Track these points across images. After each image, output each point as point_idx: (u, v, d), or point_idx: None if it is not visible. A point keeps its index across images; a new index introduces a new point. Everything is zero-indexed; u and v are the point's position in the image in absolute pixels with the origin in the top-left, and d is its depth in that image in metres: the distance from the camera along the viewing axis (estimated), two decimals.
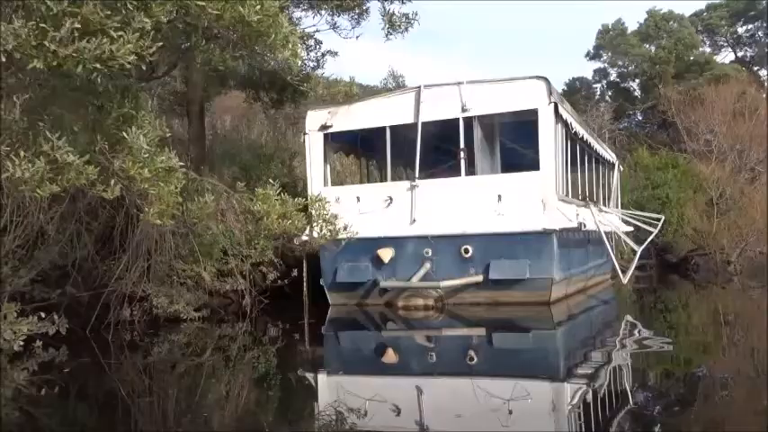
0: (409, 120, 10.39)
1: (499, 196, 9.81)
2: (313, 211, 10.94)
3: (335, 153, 12.48)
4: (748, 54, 38.24)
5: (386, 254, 10.31)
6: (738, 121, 26.36)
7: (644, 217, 15.37)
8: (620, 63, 35.35)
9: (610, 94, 36.34)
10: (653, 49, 34.46)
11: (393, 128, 10.60)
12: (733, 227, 19.86)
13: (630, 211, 16.39)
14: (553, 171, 9.62)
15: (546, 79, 9.69)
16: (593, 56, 35.88)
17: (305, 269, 11.45)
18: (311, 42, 13.51)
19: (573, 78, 36.91)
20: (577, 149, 12.11)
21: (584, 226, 9.55)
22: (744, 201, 22.04)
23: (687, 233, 22.57)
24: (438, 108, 10.25)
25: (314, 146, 11.00)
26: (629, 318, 10.20)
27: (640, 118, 36.60)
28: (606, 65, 35.89)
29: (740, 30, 37.81)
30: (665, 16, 34.55)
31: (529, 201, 9.69)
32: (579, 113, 32.14)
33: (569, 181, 10.87)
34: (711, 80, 29.81)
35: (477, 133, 10.12)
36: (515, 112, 9.92)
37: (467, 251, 9.97)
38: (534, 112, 9.75)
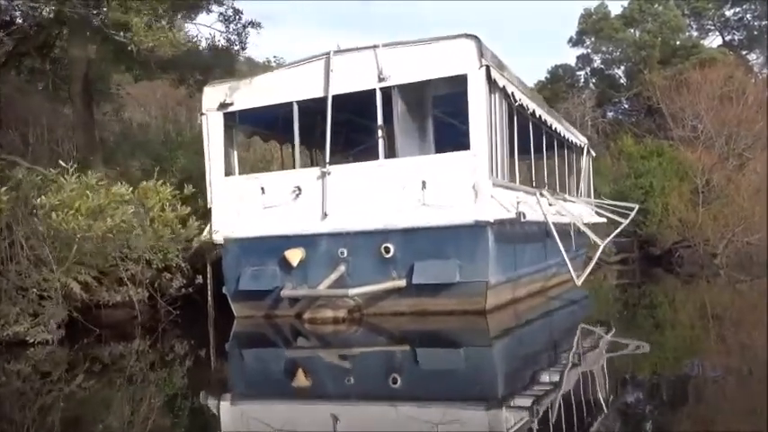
0: (318, 93, 8.43)
1: (423, 183, 7.86)
2: (213, 207, 9.14)
3: (249, 137, 10.51)
4: (736, 38, 36.18)
5: (294, 255, 8.38)
6: (726, 105, 24.36)
7: (616, 206, 13.45)
8: (603, 49, 33.30)
9: (594, 81, 34.31)
10: (637, 33, 32.42)
11: (301, 104, 8.64)
12: (719, 216, 17.95)
13: (601, 201, 14.44)
14: (486, 151, 7.66)
15: (476, 37, 7.72)
16: (575, 42, 33.80)
17: (209, 275, 9.54)
18: (229, 13, 11.64)
19: (555, 66, 34.87)
20: (529, 127, 10.15)
21: (524, 216, 7.60)
22: (731, 189, 20.09)
23: (672, 224, 20.67)
24: (351, 78, 8.28)
25: (213, 128, 9.05)
26: (598, 320, 8.42)
27: (626, 106, 34.61)
28: (589, 51, 33.84)
29: (728, 13, 35.72)
30: None
31: (458, 187, 7.74)
32: (561, 101, 30.73)
33: (514, 164, 8.85)
34: (697, 64, 27.76)
35: (398, 107, 8.16)
36: (441, 79, 7.95)
37: (387, 250, 8.03)
38: (463, 79, 7.79)
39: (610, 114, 33.62)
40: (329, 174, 8.34)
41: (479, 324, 7.81)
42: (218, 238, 8.95)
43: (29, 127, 9.54)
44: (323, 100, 8.37)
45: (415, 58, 8.03)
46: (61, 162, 8.11)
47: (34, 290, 7.96)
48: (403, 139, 8.21)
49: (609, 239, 10.06)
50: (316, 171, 8.45)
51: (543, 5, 58.41)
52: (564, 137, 12.19)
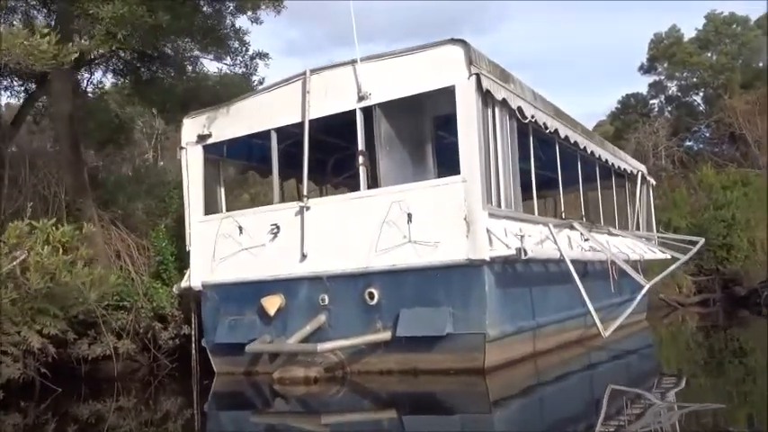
0: (296, 118, 7.31)
1: (409, 216, 6.49)
2: (191, 249, 8.14)
3: (243, 172, 9.47)
4: None
5: (271, 303, 7.18)
6: None
7: (677, 241, 11.48)
8: (678, 75, 30.82)
9: (669, 109, 31.76)
10: (714, 57, 29.83)
11: (280, 131, 7.55)
12: None
13: (663, 234, 12.43)
14: (480, 175, 6.22)
15: (464, 42, 6.38)
16: (647, 69, 31.53)
17: (194, 325, 8.48)
18: (235, 45, 10.87)
19: (627, 95, 32.64)
20: (555, 151, 8.61)
21: (525, 253, 6.04)
22: None
23: (760, 260, 18.06)
24: (329, 99, 7.12)
25: (192, 163, 8.10)
26: (659, 375, 6.80)
27: (707, 134, 31.71)
28: (663, 78, 31.42)
29: None
30: (727, 20, 29.93)
31: (447, 220, 6.33)
32: (633, 131, 28.39)
33: (518, 192, 7.23)
34: None
35: (381, 128, 6.90)
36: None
37: (372, 296, 6.68)
38: (451, 92, 6.46)
39: (689, 144, 30.88)
40: (308, 209, 7.14)
41: (478, 386, 6.25)
42: (196, 283, 7.91)
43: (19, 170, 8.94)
44: (301, 126, 7.24)
45: (398, 71, 6.77)
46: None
47: None
48: (388, 166, 6.91)
49: (655, 280, 8.23)
50: (294, 206, 7.27)
51: (612, 32, 56.05)
52: (609, 162, 10.47)
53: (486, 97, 6.53)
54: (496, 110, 6.73)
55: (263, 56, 10.80)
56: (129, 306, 9.00)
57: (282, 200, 7.34)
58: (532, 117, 7.41)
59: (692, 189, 22.96)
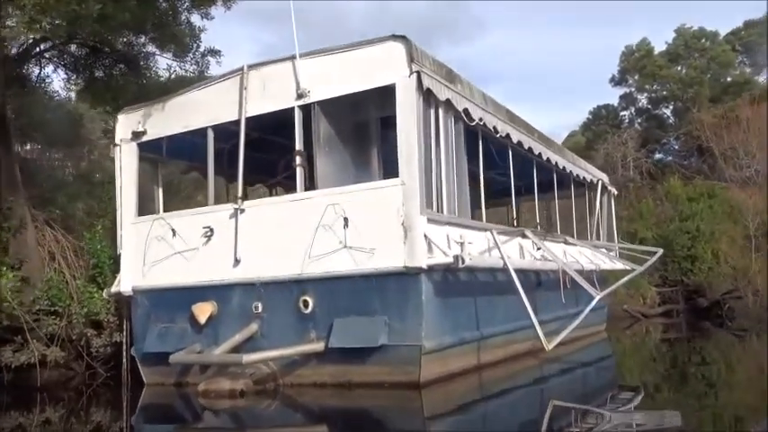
0: (233, 116, 6.91)
1: (346, 220, 6.12)
2: (122, 252, 7.67)
3: (186, 172, 9.03)
4: None
5: (202, 311, 6.75)
6: None
7: (637, 251, 11.27)
8: (648, 87, 30.93)
9: (639, 121, 31.86)
10: (684, 70, 30.01)
11: (217, 129, 7.14)
12: None
13: (623, 244, 12.21)
14: (418, 178, 5.88)
15: (405, 38, 6.04)
16: (618, 81, 31.62)
17: (125, 332, 8.00)
18: (186, 41, 10.45)
19: (598, 106, 32.70)
20: (507, 156, 8.31)
21: (462, 261, 5.71)
22: None
23: (724, 272, 18.00)
24: (267, 96, 6.73)
25: (126, 161, 7.65)
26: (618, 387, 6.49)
27: (676, 146, 31.86)
28: (633, 90, 31.52)
29: None
30: (696, 34, 30.15)
31: (384, 225, 5.97)
32: (602, 142, 28.40)
33: (464, 197, 6.86)
34: (749, 100, 25.10)
35: (320, 128, 6.52)
36: (367, 91, 6.28)
37: (306, 304, 6.29)
38: (391, 90, 6.11)
39: (658, 156, 31.00)
40: (242, 211, 6.73)
41: (413, 401, 5.88)
42: (127, 288, 7.44)
43: None
44: (238, 123, 6.84)
45: (338, 68, 6.41)
46: None
47: None
48: (327, 167, 6.53)
49: (607, 291, 7.94)
50: (228, 209, 6.85)
51: (585, 44, 56.63)
52: (567, 170, 10.20)
53: (428, 97, 6.20)
54: (440, 111, 6.40)
55: (214, 53, 10.40)
56: (62, 311, 8.50)
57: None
58: (481, 120, 7.09)
59: (658, 200, 22.96)
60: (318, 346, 6.13)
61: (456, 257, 5.68)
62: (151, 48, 11.46)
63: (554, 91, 56.07)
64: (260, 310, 6.55)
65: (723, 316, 15.83)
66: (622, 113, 32.35)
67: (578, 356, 9.62)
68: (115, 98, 11.18)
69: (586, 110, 34.04)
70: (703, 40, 30.00)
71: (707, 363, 9.27)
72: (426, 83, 6.00)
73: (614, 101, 32.25)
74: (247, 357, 5.91)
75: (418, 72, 5.96)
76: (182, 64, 10.50)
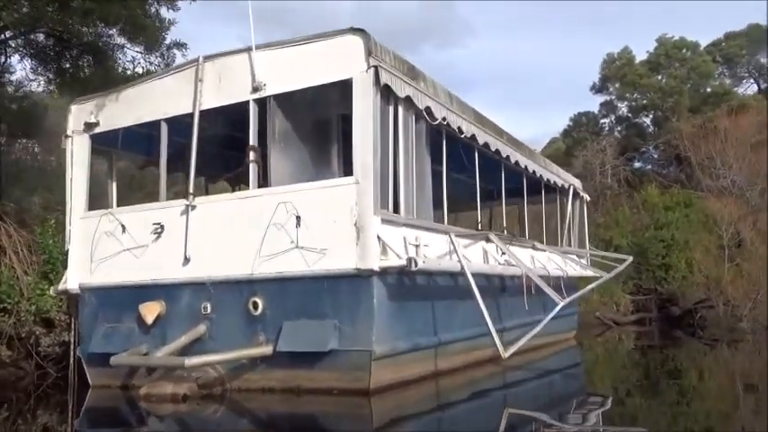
0: (187, 108, 6.64)
1: (298, 219, 5.88)
2: (70, 248, 7.36)
3: (142, 167, 8.71)
4: None
5: (150, 310, 6.46)
6: (759, 154, 21.68)
7: (607, 258, 11.13)
8: (628, 96, 30.98)
9: (619, 129, 31.91)
10: (664, 79, 30.10)
11: (170, 122, 6.87)
12: (745, 274, 15.20)
13: (591, 251, 12.07)
14: (373, 177, 5.65)
15: (363, 32, 5.81)
16: (599, 88, 31.64)
17: (73, 331, 7.68)
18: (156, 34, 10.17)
19: (579, 113, 32.72)
20: (474, 159, 8.11)
21: (415, 264, 5.50)
22: (759, 243, 17.32)
23: (697, 281, 17.95)
24: (223, 89, 6.48)
25: (78, 153, 7.34)
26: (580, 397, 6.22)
27: (655, 155, 31.96)
28: (614, 98, 31.56)
29: (763, 60, 33.05)
30: (677, 44, 30.23)
31: (337, 225, 5.74)
32: (581, 149, 28.42)
33: (425, 198, 6.66)
34: (728, 111, 25.20)
35: (275, 122, 6.27)
36: (324, 86, 6.05)
37: (256, 306, 6.04)
38: (348, 85, 5.89)
39: (637, 164, 31.06)
40: (194, 208, 6.46)
41: (362, 408, 5.64)
42: (74, 285, 7.13)
43: None
44: (191, 117, 6.57)
45: (295, 61, 6.16)
46: None
47: None
48: (282, 164, 6.28)
49: (570, 299, 7.75)
50: (179, 205, 6.57)
51: (569, 50, 56.95)
52: (537, 174, 10.03)
53: (387, 93, 5.97)
54: (400, 108, 6.18)
55: (180, 46, 10.13)
56: (11, 308, 8.17)
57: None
58: (445, 119, 6.87)
59: (635, 208, 22.94)
60: (266, 350, 5.87)
61: (409, 260, 5.46)
62: (120, 40, 11.19)
63: (539, 97, 56.29)
64: (209, 310, 6.28)
65: (695, 325, 15.76)
66: (603, 121, 32.38)
67: (544, 364, 9.45)
68: (83, 90, 10.89)
69: (569, 117, 33.96)
70: (684, 51, 30.12)
71: (678, 372, 9.18)
72: (384, 78, 5.78)
73: (595, 108, 32.32)
74: (190, 361, 5.63)
75: (376, 67, 5.73)
76: (147, 56, 10.18)
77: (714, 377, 8.49)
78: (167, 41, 10.19)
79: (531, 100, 58.06)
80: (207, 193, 8.67)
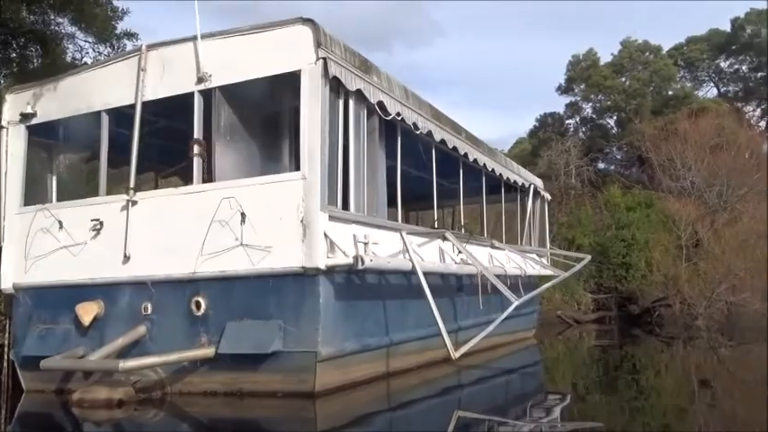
0: (129, 99, 6.34)
1: (243, 216, 5.64)
2: (3, 245, 6.98)
3: (87, 161, 8.32)
4: (732, 90, 34.05)
5: (87, 311, 6.13)
6: (717, 156, 22.06)
7: (569, 257, 11.11)
8: (593, 97, 31.30)
9: (584, 129, 32.22)
10: (628, 81, 30.48)
11: (112, 113, 6.55)
12: (702, 274, 15.41)
13: (551, 250, 12.04)
14: (320, 172, 5.44)
15: (312, 22, 5.61)
16: (564, 89, 31.90)
17: (7, 333, 7.29)
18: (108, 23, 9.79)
19: (544, 114, 32.94)
20: (431, 156, 7.95)
21: (362, 262, 5.31)
22: (721, 244, 17.57)
23: (656, 280, 18.15)
24: (167, 79, 6.19)
25: (13, 145, 6.97)
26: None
27: (618, 156, 32.35)
28: (579, 99, 31.84)
29: (723, 64, 33.76)
30: (640, 47, 30.68)
31: (282, 222, 5.51)
32: (545, 149, 28.62)
33: (377, 195, 6.46)
34: (688, 113, 25.61)
35: (221, 115, 6.02)
36: (272, 77, 5.81)
37: (198, 306, 5.78)
38: (296, 77, 5.66)
39: (601, 165, 31.40)
40: (135, 203, 6.16)
41: (307, 411, 5.43)
42: (7, 284, 6.76)
43: None
44: (133, 108, 6.26)
45: (243, 51, 5.92)
46: None
47: None
48: (228, 158, 6.03)
49: (525, 298, 7.64)
50: (119, 200, 6.26)
51: (537, 51, 57.54)
52: (497, 173, 9.92)
53: (337, 86, 5.77)
54: (351, 102, 5.98)
55: (130, 36, 9.76)
56: None
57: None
58: (399, 115, 6.69)
59: (598, 208, 23.14)
60: (209, 352, 5.61)
61: (356, 258, 5.26)
62: (71, 29, 10.77)
63: (508, 98, 56.67)
64: (149, 311, 6.00)
65: (653, 323, 15.93)
66: (568, 122, 32.67)
67: (502, 363, 9.36)
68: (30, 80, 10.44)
69: (535, 117, 34.19)
70: (647, 54, 30.55)
71: (636, 369, 9.23)
72: (334, 70, 5.57)
73: (561, 109, 32.58)
74: (125, 364, 5.34)
75: (325, 59, 5.52)
76: (97, 46, 9.79)
77: (671, 374, 8.56)
78: (118, 31, 9.80)
79: (500, 101, 58.45)
80: (157, 188, 8.34)
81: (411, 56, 58.79)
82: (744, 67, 33.55)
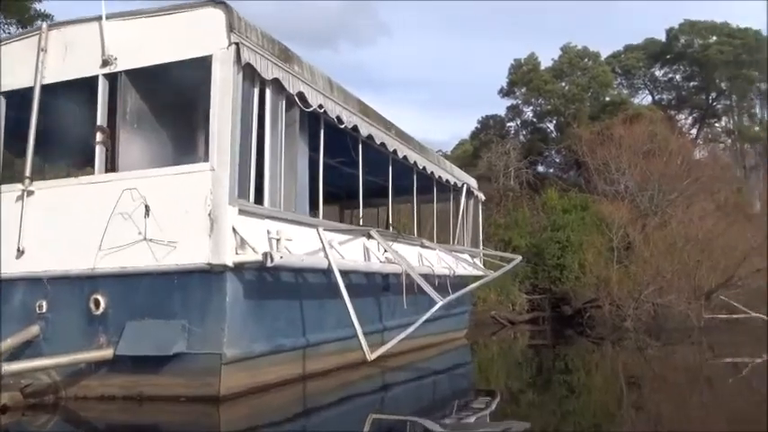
0: (28, 82, 5.89)
1: (147, 208, 5.30)
2: None
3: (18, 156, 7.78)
4: (666, 98, 35.26)
5: None
6: (650, 162, 22.68)
7: (503, 258, 11.12)
8: (533, 100, 31.79)
9: (524, 133, 32.68)
10: (567, 86, 31.08)
11: (10, 95, 6.08)
12: (632, 275, 15.75)
13: (484, 251, 12.04)
14: (229, 163, 5.16)
15: (225, 5, 5.31)
16: (506, 92, 32.27)
17: None
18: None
19: (486, 116, 33.25)
20: (357, 151, 7.75)
21: (271, 259, 5.07)
22: (651, 247, 18.01)
23: (589, 281, 18.46)
24: (69, 61, 5.78)
25: None
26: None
27: (557, 160, 32.97)
28: (520, 102, 32.28)
29: (657, 73, 34.92)
30: (580, 53, 31.31)
31: (189, 215, 5.20)
32: (486, 151, 28.89)
33: (293, 190, 6.21)
34: (622, 119, 26.26)
35: (127, 101, 5.65)
36: (182, 62, 5.49)
37: (97, 304, 5.40)
38: (207, 63, 5.35)
39: (540, 168, 31.92)
40: (31, 194, 5.72)
41: (212, 417, 5.13)
42: None
43: None
44: (32, 91, 5.81)
45: (151, 34, 5.56)
46: None
47: None
48: (134, 147, 5.66)
49: (449, 299, 7.52)
50: (14, 190, 5.80)
51: (478, 54, 58.29)
52: (428, 171, 9.80)
53: (252, 74, 5.48)
54: (268, 91, 5.70)
55: (45, 17, 9.16)
56: None
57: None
58: (321, 107, 6.45)
59: (535, 210, 23.48)
60: (106, 353, 5.24)
61: (265, 255, 5.00)
62: None
63: (452, 99, 57.12)
64: (44, 309, 5.57)
65: (584, 324, 16.18)
66: (509, 124, 33.06)
67: (430, 364, 9.25)
68: None
69: (475, 120, 34.55)
70: (586, 60, 31.22)
71: (567, 368, 9.32)
72: (247, 57, 5.29)
73: (502, 112, 32.95)
74: (8, 366, 4.92)
75: (238, 44, 5.23)
76: (7, 27, 9.17)
77: (600, 373, 8.64)
78: (32, 13, 9.20)
79: (444, 102, 58.86)
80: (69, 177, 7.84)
81: (356, 54, 58.55)
82: (677, 77, 34.81)
